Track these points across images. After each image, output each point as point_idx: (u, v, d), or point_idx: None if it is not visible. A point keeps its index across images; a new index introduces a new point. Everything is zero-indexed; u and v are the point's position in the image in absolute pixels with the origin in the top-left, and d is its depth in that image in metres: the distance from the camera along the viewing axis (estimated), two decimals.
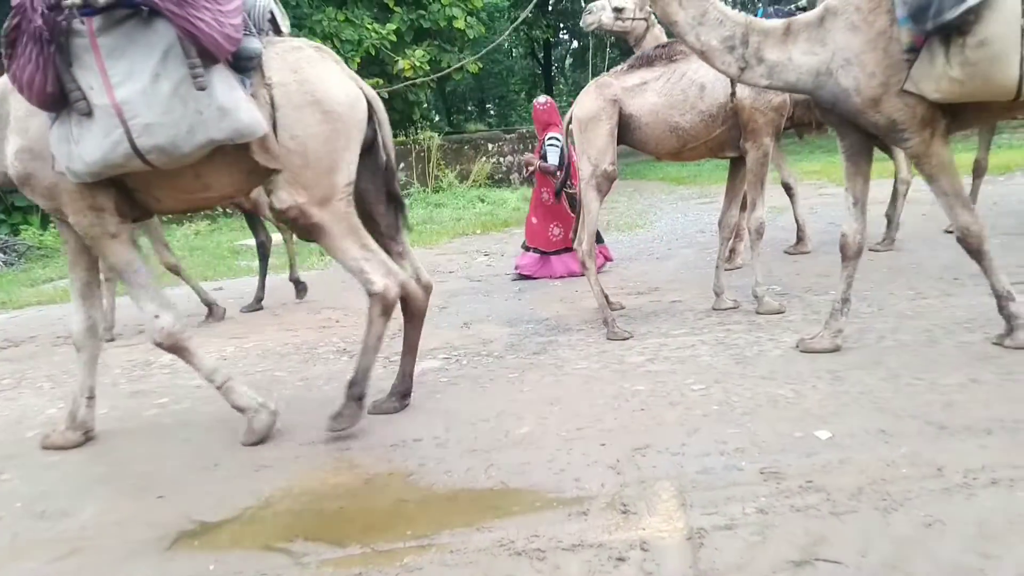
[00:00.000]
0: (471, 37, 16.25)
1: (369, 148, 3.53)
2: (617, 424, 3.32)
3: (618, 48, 11.38)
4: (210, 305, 6.32)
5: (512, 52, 32.83)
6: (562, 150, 6.69)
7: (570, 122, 5.09)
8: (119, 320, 6.16)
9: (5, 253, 10.97)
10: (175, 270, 6.31)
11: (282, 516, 2.77)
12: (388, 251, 3.64)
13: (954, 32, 3.21)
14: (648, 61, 4.94)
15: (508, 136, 16.47)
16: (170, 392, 4.38)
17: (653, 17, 6.19)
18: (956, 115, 3.62)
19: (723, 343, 4.33)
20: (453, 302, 6.16)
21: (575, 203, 6.41)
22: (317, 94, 3.26)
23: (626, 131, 4.90)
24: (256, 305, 6.62)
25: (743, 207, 5.26)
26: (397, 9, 15.12)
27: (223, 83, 3.03)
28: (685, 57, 4.76)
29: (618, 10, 6.23)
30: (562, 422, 3.39)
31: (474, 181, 14.64)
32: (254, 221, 6.74)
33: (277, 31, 3.53)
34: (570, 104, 5.32)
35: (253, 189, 3.80)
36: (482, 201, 12.91)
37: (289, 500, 2.89)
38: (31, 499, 3.09)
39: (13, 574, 2.52)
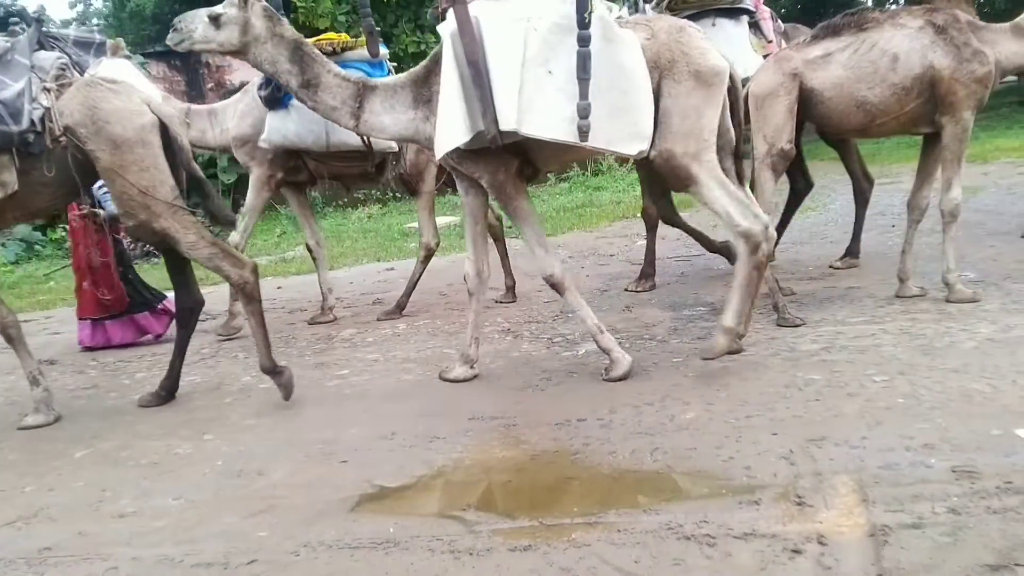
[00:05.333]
0: None
1: None
2: (789, 414, 3.19)
3: None
4: None
5: None
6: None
7: (746, 99, 4.86)
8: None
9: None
10: None
11: (454, 485, 2.90)
12: None
13: None
14: (834, 30, 4.62)
15: None
16: (350, 364, 4.68)
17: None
18: None
19: (908, 332, 4.04)
20: (614, 285, 6.14)
21: (123, 258, 5.99)
22: None
23: (807, 107, 4.63)
24: None
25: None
26: None
27: None
28: (877, 25, 4.45)
29: None
30: (730, 409, 3.30)
31: (634, 164, 14.41)
32: None
33: None
34: None
35: None
36: None
37: (460, 471, 3.01)
38: (230, 458, 3.40)
39: (217, 525, 2.79)
